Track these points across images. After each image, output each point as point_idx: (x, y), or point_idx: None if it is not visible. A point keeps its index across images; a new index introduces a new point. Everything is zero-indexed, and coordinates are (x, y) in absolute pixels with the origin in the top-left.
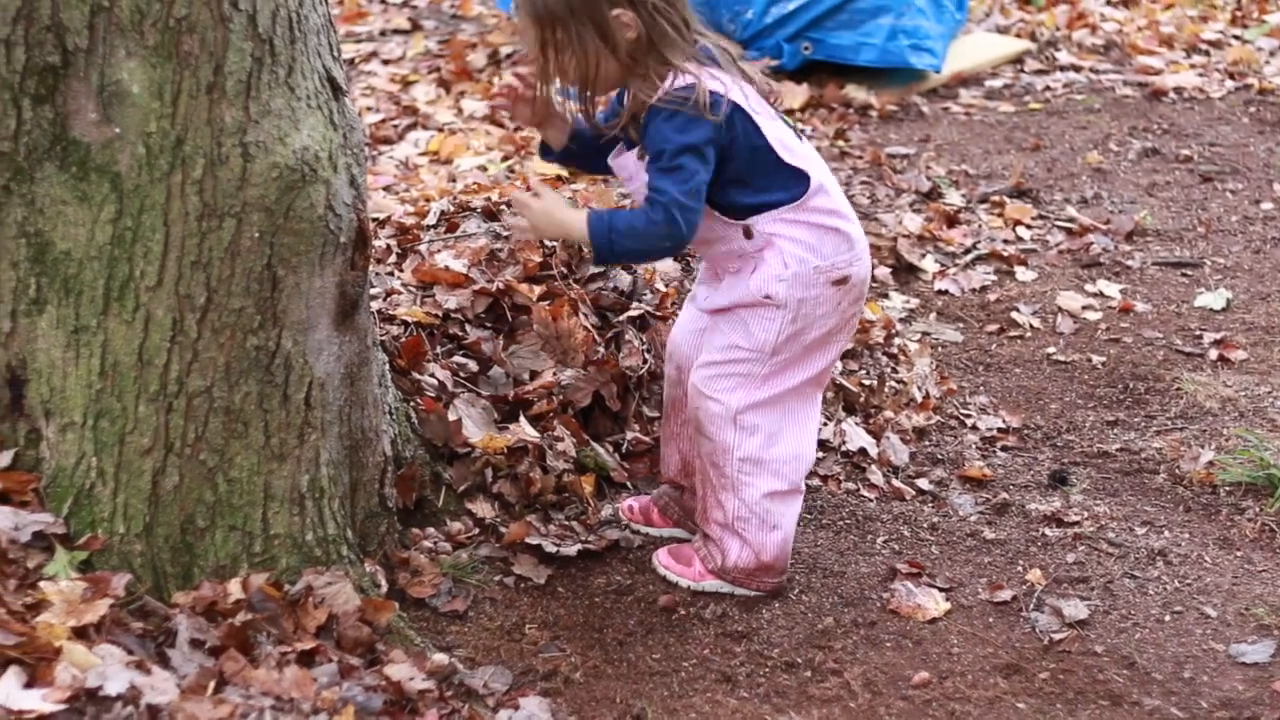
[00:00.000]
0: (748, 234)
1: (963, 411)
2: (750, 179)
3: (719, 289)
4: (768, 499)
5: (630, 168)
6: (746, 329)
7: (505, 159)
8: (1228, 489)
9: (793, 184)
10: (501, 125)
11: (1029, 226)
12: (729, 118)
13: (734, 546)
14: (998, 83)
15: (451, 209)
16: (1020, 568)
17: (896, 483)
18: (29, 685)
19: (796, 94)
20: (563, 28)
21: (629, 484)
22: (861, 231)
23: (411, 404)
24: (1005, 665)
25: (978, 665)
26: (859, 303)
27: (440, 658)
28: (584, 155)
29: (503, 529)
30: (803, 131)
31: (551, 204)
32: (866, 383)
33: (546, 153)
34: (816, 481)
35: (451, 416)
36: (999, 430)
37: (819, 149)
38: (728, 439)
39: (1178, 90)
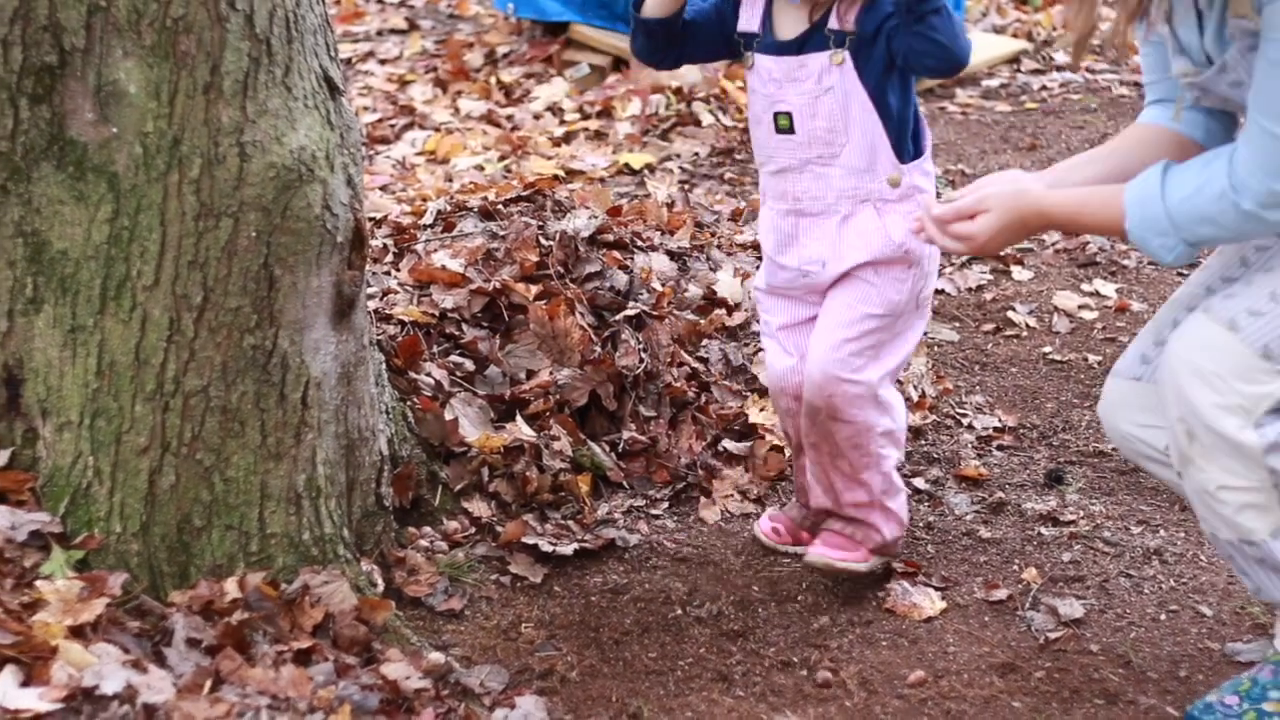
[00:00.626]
0: (894, 182)
1: (959, 410)
2: (911, 112)
3: (838, 251)
4: (896, 468)
5: (814, 70)
6: (877, 292)
7: (502, 158)
8: None
9: (919, 133)
10: (498, 125)
11: None
12: None
13: (882, 521)
14: (994, 82)
15: (448, 208)
16: (1016, 567)
17: None
18: (25, 684)
19: None
20: None
21: (625, 483)
22: None
23: (408, 403)
24: (1001, 664)
25: (973, 664)
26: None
27: (436, 657)
28: (670, 37)
29: (499, 528)
30: None
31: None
32: None
33: (641, 23)
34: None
35: (448, 416)
36: (995, 429)
37: None
38: (871, 418)
39: None
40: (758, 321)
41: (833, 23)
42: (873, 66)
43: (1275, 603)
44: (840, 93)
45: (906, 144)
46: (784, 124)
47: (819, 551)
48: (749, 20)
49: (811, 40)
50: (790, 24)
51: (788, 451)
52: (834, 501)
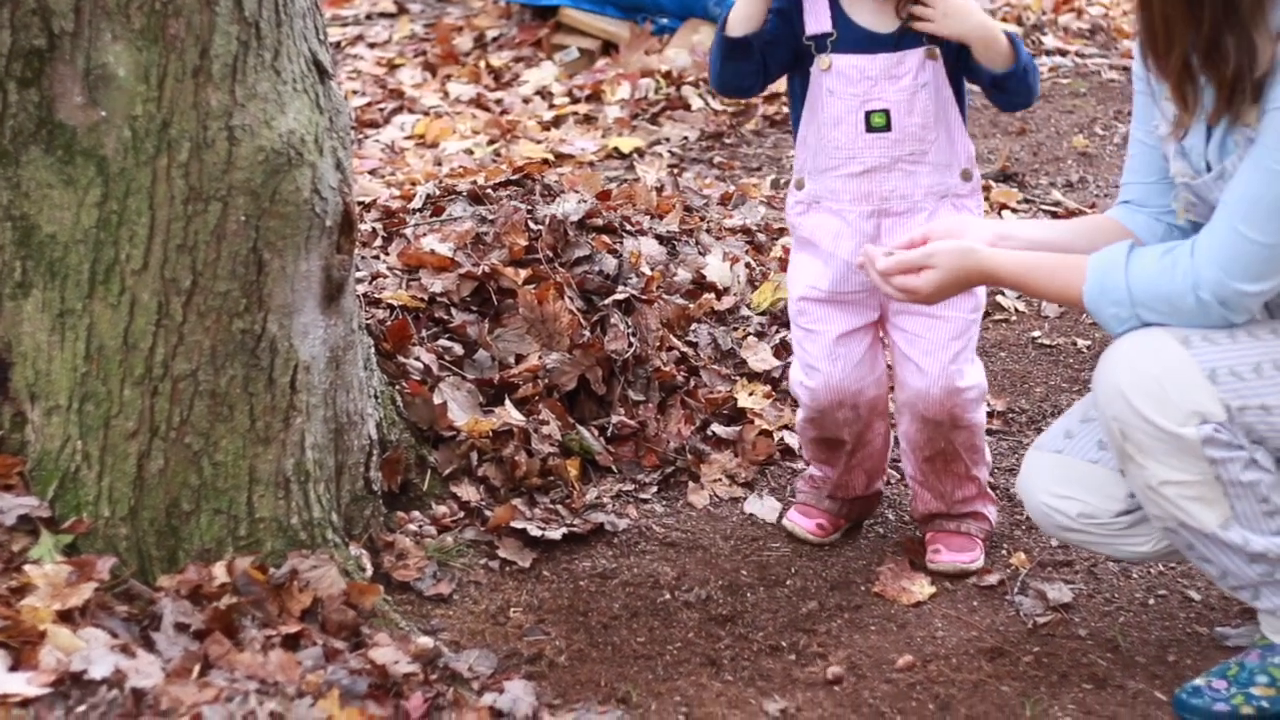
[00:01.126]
0: (967, 176)
1: None
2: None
3: None
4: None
5: (911, 65)
6: (971, 291)
7: (491, 143)
8: None
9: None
10: (487, 109)
11: (1015, 210)
12: None
13: (990, 507)
14: None
15: (437, 193)
16: (1005, 551)
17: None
18: (14, 669)
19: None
20: None
21: (614, 468)
22: None
23: (397, 387)
24: (989, 649)
25: (962, 649)
26: None
27: (425, 641)
28: (755, 58)
29: (488, 512)
30: None
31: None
32: None
33: (728, 45)
34: (801, 465)
35: (437, 400)
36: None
37: None
38: (980, 416)
39: None
40: (783, 327)
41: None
42: (950, 58)
43: (1243, 584)
44: (934, 88)
45: (966, 136)
46: (879, 122)
47: (950, 559)
48: (818, 21)
49: (907, 36)
50: (873, 19)
51: (780, 437)
52: (945, 503)
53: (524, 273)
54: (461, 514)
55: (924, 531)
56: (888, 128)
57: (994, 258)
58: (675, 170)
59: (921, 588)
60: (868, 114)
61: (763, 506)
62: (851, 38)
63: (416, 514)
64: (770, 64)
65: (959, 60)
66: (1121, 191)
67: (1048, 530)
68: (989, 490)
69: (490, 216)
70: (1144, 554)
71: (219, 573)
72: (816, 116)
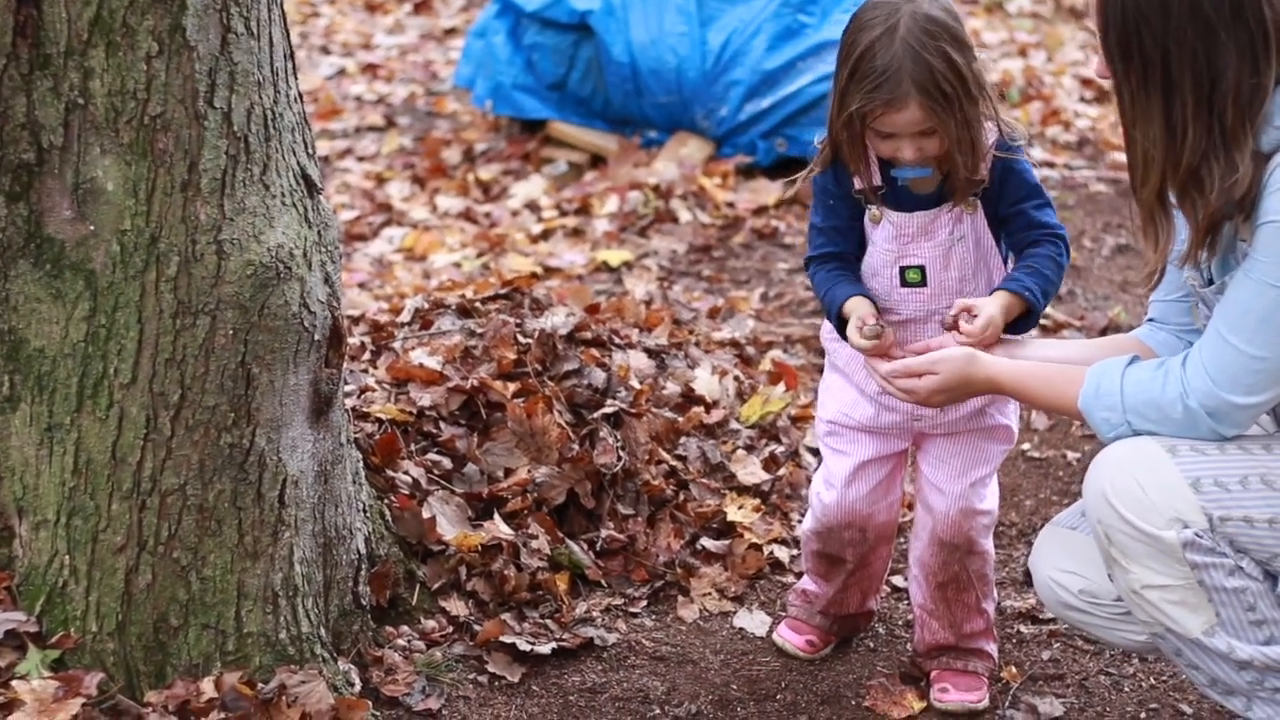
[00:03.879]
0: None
1: None
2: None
3: None
4: None
5: (946, 220)
6: (1006, 430)
7: (480, 256)
8: None
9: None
10: (476, 222)
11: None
12: None
13: (991, 645)
14: None
15: (426, 306)
16: (996, 665)
17: None
18: None
19: (771, 190)
20: (968, 100)
21: (603, 581)
22: None
23: (385, 501)
24: None
25: None
26: None
27: None
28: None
29: (477, 627)
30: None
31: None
32: None
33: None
34: (791, 579)
35: (425, 514)
36: None
37: (793, 245)
38: (990, 545)
39: None
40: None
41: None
42: (991, 207)
43: (1234, 691)
44: (971, 240)
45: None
46: (914, 279)
47: (958, 698)
48: (868, 175)
49: (944, 192)
50: (916, 180)
51: (770, 550)
52: (955, 635)
53: (513, 386)
54: (450, 628)
55: (929, 667)
56: (923, 283)
57: (994, 364)
58: (665, 283)
59: (912, 702)
60: (902, 269)
61: (753, 620)
62: (897, 196)
63: (405, 628)
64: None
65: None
66: (1150, 308)
67: (1051, 607)
68: (990, 629)
69: (479, 330)
70: (1139, 644)
71: (207, 688)
72: (866, 264)
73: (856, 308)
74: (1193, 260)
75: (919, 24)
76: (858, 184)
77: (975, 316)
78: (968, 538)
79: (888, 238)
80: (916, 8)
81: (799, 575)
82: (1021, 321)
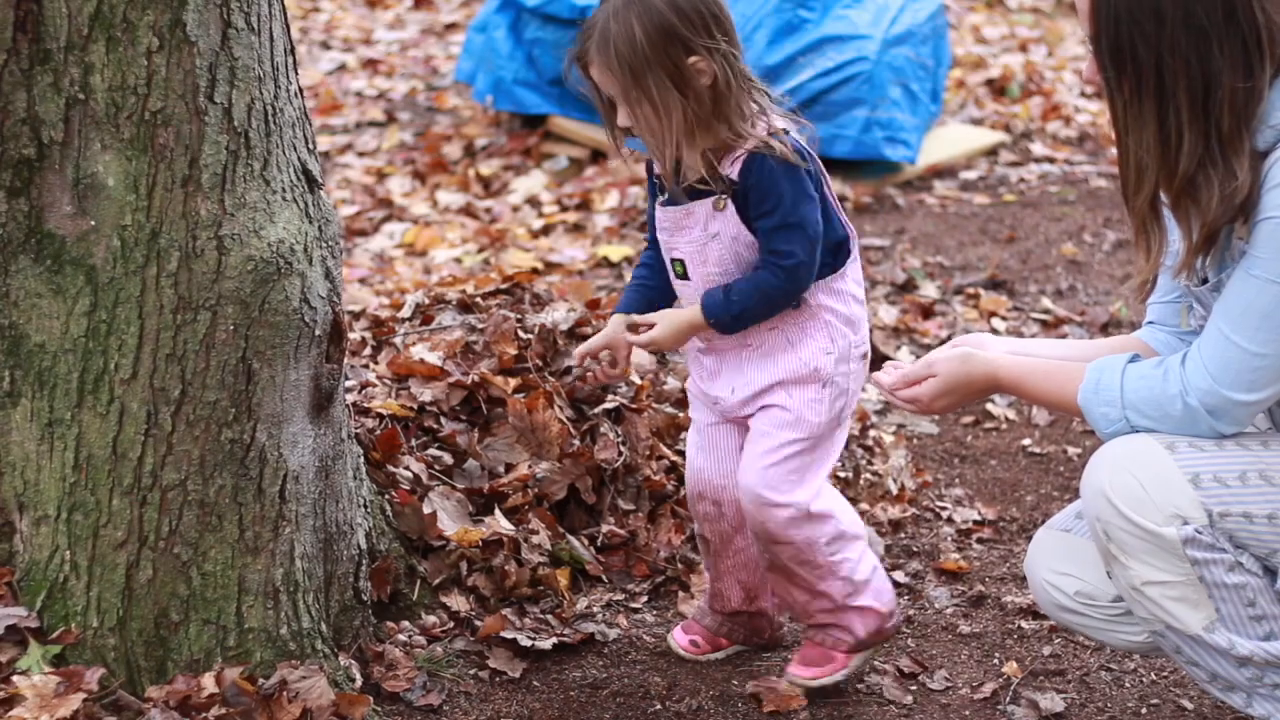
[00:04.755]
0: (797, 303)
1: (938, 504)
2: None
3: (745, 375)
4: (857, 560)
5: (700, 216)
6: (795, 417)
7: (480, 251)
8: None
9: (838, 248)
10: (476, 217)
11: (1004, 318)
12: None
13: (855, 620)
14: (972, 174)
15: (426, 301)
16: (997, 660)
17: None
18: None
19: None
20: (637, 80)
21: (604, 577)
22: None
23: (386, 497)
24: None
25: None
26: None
27: None
28: (653, 296)
29: (477, 622)
30: None
31: (669, 321)
32: (842, 475)
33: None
34: None
35: (426, 509)
36: (975, 522)
37: None
38: (809, 534)
39: None
40: None
41: (722, 168)
42: (741, 213)
43: (1234, 687)
44: (727, 237)
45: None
46: (679, 270)
47: (792, 671)
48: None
49: (695, 189)
50: (690, 170)
51: None
52: (804, 613)
53: (513, 381)
54: (451, 624)
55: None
56: (686, 276)
57: (992, 361)
58: None
59: (913, 697)
60: (671, 261)
61: None
62: (667, 189)
63: (406, 624)
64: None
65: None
66: (1149, 310)
67: (1046, 610)
68: (861, 605)
69: (480, 325)
70: (1137, 645)
71: (208, 683)
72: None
73: (605, 330)
74: (1189, 269)
75: None
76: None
77: (649, 328)
78: (764, 529)
79: (661, 230)
80: None
81: None
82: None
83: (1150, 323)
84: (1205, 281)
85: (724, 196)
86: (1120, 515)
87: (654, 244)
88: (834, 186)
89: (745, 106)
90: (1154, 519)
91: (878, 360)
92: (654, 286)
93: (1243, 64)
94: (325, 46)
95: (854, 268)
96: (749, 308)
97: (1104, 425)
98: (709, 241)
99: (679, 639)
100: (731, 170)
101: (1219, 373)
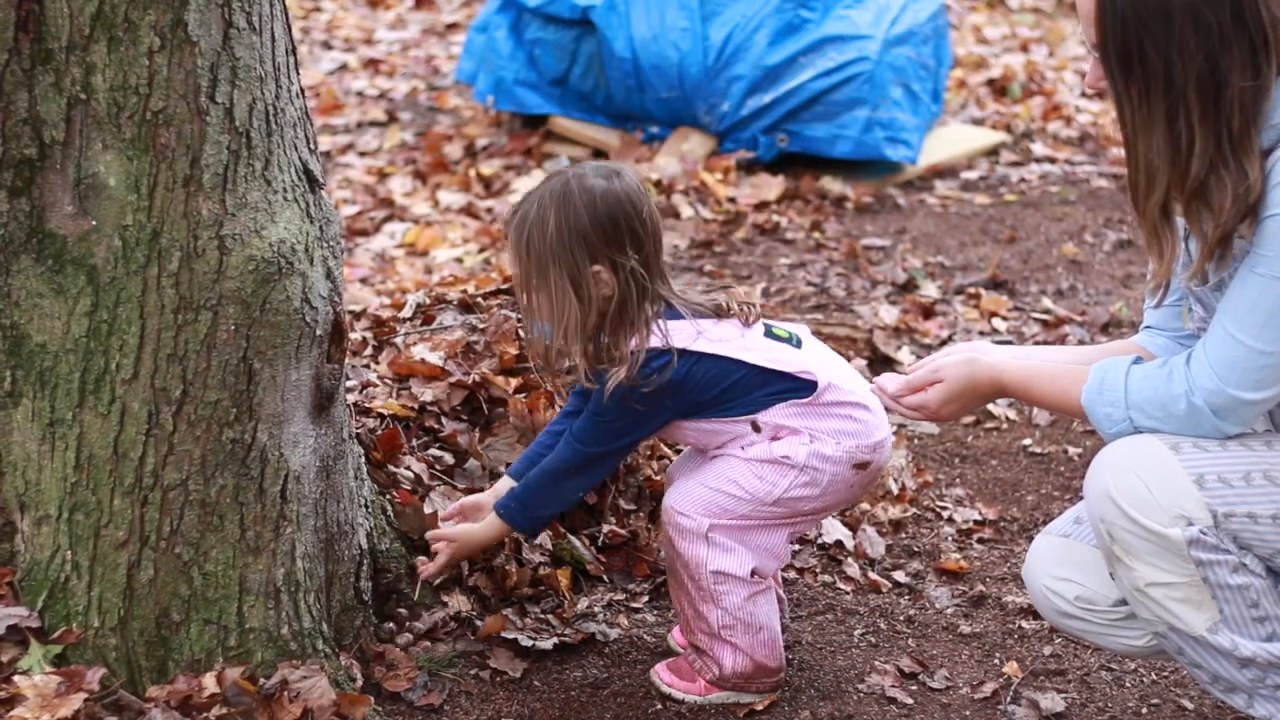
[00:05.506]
0: (755, 427)
1: (939, 504)
2: (733, 401)
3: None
4: (748, 603)
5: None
6: (754, 474)
7: (482, 251)
8: None
9: (797, 386)
10: (478, 217)
11: (1005, 318)
12: (685, 367)
13: (726, 655)
14: (973, 174)
15: (428, 301)
16: (997, 660)
17: (873, 575)
18: None
19: (772, 186)
20: (539, 270)
21: (605, 577)
22: (885, 419)
23: (387, 497)
24: None
25: None
26: (872, 483)
27: None
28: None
29: (478, 622)
30: (799, 338)
31: (464, 534)
32: None
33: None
34: (793, 574)
35: (428, 509)
36: (975, 522)
37: (795, 241)
38: (699, 553)
39: None
40: None
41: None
42: None
43: (1236, 688)
44: None
45: (759, 401)
46: None
47: (658, 675)
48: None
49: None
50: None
51: None
52: (686, 627)
53: (514, 381)
54: (452, 624)
55: None
56: None
57: (998, 364)
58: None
59: (913, 697)
60: None
61: None
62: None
63: (407, 623)
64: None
65: None
66: (1147, 315)
67: (1047, 616)
68: (737, 644)
69: (481, 325)
70: (1138, 649)
71: (209, 683)
72: None
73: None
74: (1200, 273)
75: (563, 184)
76: None
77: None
78: (665, 533)
79: None
80: (586, 175)
81: (801, 572)
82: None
83: (1148, 327)
84: (1206, 281)
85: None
86: (1125, 516)
87: (567, 415)
88: (835, 187)
89: (636, 323)
90: (1159, 520)
91: (880, 360)
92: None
93: (1250, 63)
94: (327, 46)
95: (834, 392)
96: (533, 490)
97: (1107, 426)
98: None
99: (680, 639)
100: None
101: (1225, 372)
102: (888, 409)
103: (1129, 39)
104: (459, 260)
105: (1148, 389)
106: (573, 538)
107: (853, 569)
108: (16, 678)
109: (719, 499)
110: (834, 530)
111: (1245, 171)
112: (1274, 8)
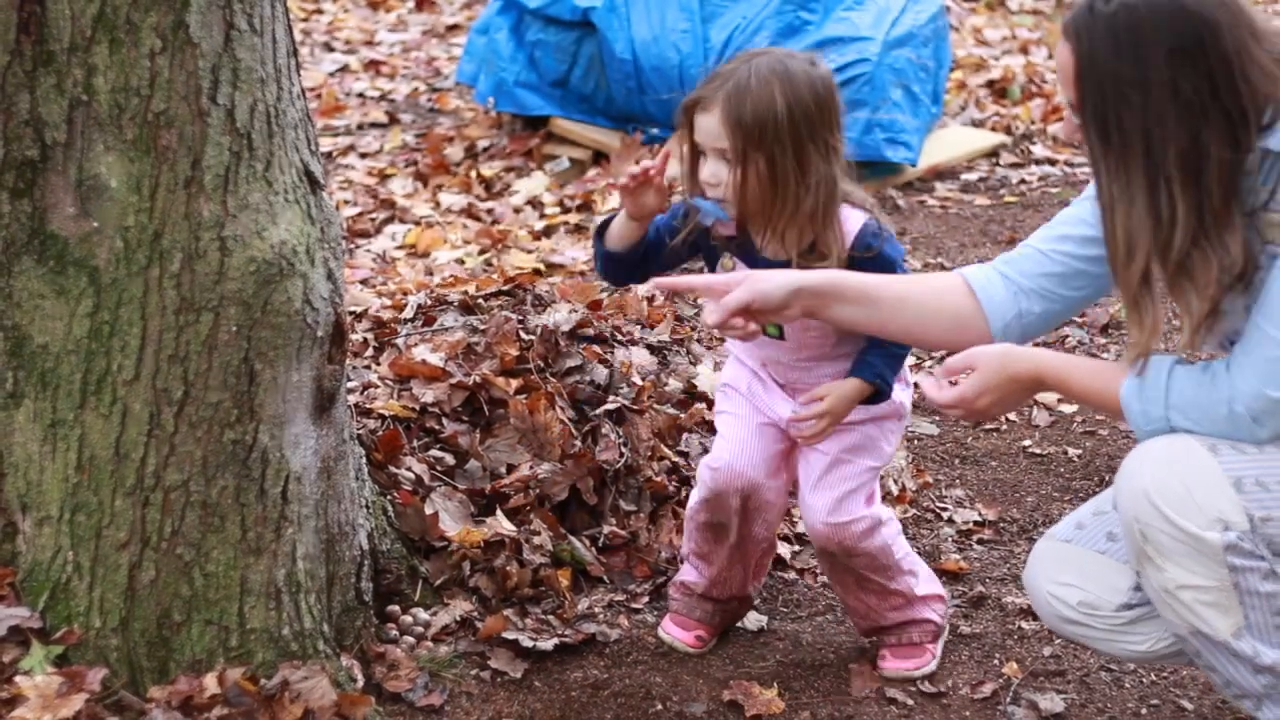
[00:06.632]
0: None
1: (939, 505)
2: None
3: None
4: (908, 552)
5: None
6: (877, 446)
7: (482, 252)
8: None
9: None
10: (478, 218)
11: None
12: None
13: (928, 610)
14: (973, 176)
15: (428, 303)
16: (997, 661)
17: None
18: None
19: None
20: (759, 144)
21: (605, 578)
22: None
23: (388, 497)
24: None
25: None
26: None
27: None
28: (635, 263)
29: (479, 623)
30: None
31: (838, 394)
32: None
33: (606, 255)
34: (793, 574)
35: (428, 510)
36: (975, 523)
37: None
38: (882, 540)
39: None
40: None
41: (824, 247)
42: None
43: (1246, 694)
44: None
45: None
46: (773, 332)
47: (893, 667)
48: (725, 226)
49: (808, 261)
50: (772, 251)
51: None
52: (878, 618)
53: (515, 383)
54: (453, 624)
55: (876, 645)
56: (781, 337)
57: (1035, 356)
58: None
59: (913, 698)
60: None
61: (753, 616)
62: (755, 253)
63: (408, 624)
64: (659, 266)
65: None
66: (1017, 248)
67: (1048, 622)
68: (927, 595)
69: (481, 326)
70: (1141, 654)
71: (210, 684)
72: None
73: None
74: (1193, 345)
75: (777, 62)
76: (717, 230)
77: (819, 401)
78: (842, 547)
79: None
80: (793, 58)
81: (801, 573)
82: (869, 400)
83: (1004, 268)
84: (1197, 349)
85: None
86: (1162, 517)
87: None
88: None
89: (837, 200)
90: (1197, 523)
91: None
92: (652, 242)
93: (1230, 135)
94: (328, 48)
95: None
96: (903, 360)
97: (1144, 424)
98: None
99: (681, 636)
100: (844, 244)
101: (1267, 375)
102: (938, 407)
103: (1108, 108)
104: (460, 261)
105: (1189, 391)
106: (573, 539)
107: None
108: (18, 678)
109: (866, 488)
110: None
111: (1227, 246)
112: (1255, 77)
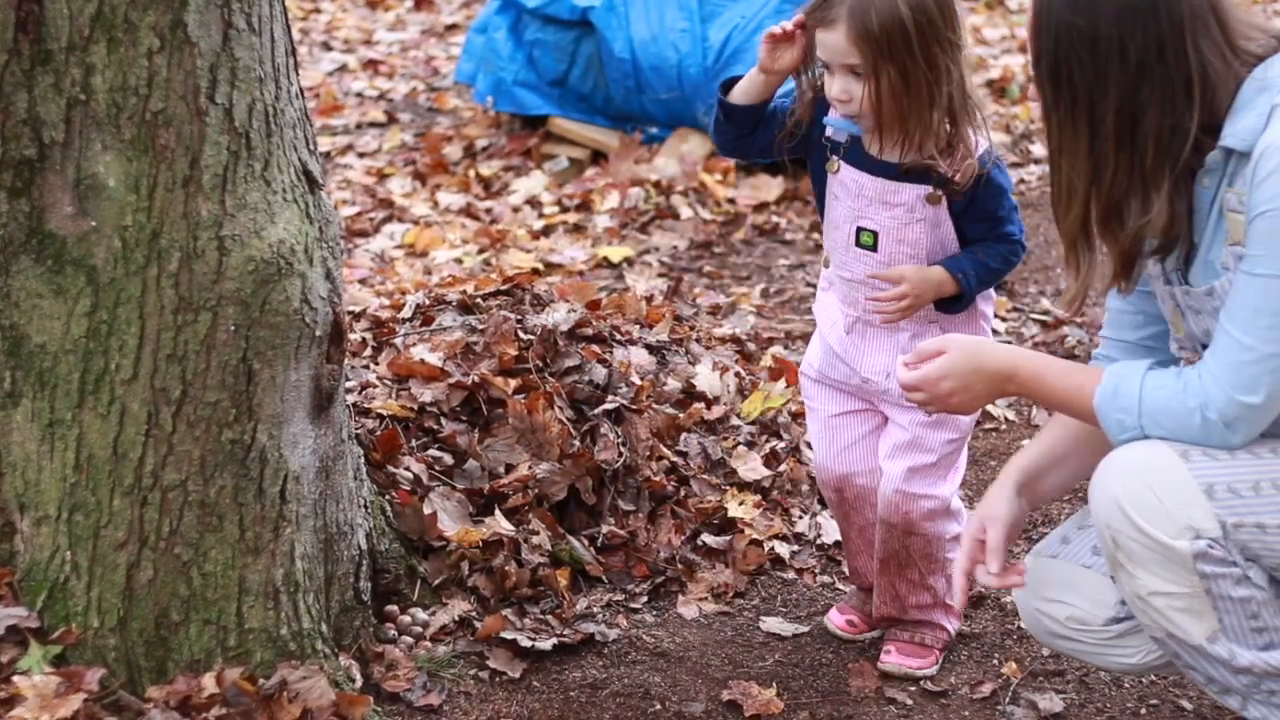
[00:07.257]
0: (964, 305)
1: None
2: None
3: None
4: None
5: (908, 199)
6: (953, 417)
7: (481, 252)
8: None
9: None
10: (477, 218)
11: (1004, 319)
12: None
13: (946, 618)
14: None
15: (427, 302)
16: (996, 661)
17: None
18: None
19: (771, 187)
20: (892, 54)
21: (604, 577)
22: None
23: (387, 497)
24: None
25: None
26: None
27: None
28: (750, 125)
29: (478, 623)
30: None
31: (920, 275)
32: None
33: (727, 109)
34: (791, 575)
35: (427, 510)
36: None
37: (794, 242)
38: (943, 528)
39: None
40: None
41: (943, 168)
42: (958, 211)
43: (1230, 691)
44: (931, 224)
45: None
46: (867, 241)
47: (896, 661)
48: (806, 108)
49: (914, 173)
50: (889, 146)
51: (771, 546)
52: (898, 608)
53: (514, 382)
54: (452, 624)
55: (885, 635)
56: (874, 248)
57: (1012, 352)
58: (676, 280)
59: (913, 698)
60: (858, 229)
61: (753, 616)
62: (860, 154)
63: (406, 623)
64: (768, 144)
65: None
66: (1103, 344)
67: (1039, 636)
68: (946, 603)
69: (480, 326)
70: (1133, 666)
71: (208, 684)
72: (827, 210)
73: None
74: (1117, 287)
75: None
76: (830, 130)
77: (898, 283)
78: (906, 519)
79: (848, 193)
80: None
81: (800, 573)
82: (951, 303)
83: (1107, 357)
84: (1186, 281)
85: (940, 194)
86: (1132, 525)
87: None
88: None
89: (971, 113)
90: (1167, 531)
91: None
92: (771, 112)
93: (1169, 102)
94: (326, 47)
95: None
96: (995, 272)
97: (1118, 432)
98: (913, 223)
99: (835, 619)
100: (957, 173)
101: (1235, 379)
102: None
103: (1059, 59)
104: (458, 261)
105: (1162, 399)
106: (572, 538)
107: None
108: (16, 678)
109: (944, 462)
110: (834, 530)
111: (1149, 205)
112: (1207, 51)
